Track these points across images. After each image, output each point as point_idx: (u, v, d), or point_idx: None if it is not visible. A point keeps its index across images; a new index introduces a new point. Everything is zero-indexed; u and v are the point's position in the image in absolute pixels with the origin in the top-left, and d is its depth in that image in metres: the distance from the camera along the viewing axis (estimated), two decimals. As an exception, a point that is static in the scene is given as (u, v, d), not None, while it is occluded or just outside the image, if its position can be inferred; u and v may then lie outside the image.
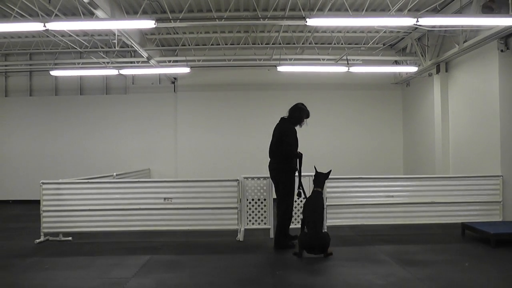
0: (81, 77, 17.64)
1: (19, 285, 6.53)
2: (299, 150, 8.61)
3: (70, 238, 9.61)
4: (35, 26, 9.73)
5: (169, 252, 8.51)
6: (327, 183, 9.29)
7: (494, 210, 10.35)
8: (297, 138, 8.68)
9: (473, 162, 12.29)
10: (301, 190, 8.57)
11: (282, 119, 8.84)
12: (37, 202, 9.66)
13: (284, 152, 8.50)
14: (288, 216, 8.65)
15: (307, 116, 8.84)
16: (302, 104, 8.89)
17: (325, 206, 8.98)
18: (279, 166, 8.64)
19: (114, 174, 12.82)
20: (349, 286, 6.22)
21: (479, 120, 12.02)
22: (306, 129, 9.01)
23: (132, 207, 9.51)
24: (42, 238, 9.45)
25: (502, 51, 11.03)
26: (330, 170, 8.63)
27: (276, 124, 8.88)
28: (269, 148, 8.81)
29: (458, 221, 10.01)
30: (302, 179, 8.71)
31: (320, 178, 8.51)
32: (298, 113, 8.75)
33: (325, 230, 8.55)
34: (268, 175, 9.07)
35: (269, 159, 8.82)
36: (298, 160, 8.54)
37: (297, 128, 8.80)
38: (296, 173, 8.63)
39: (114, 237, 9.72)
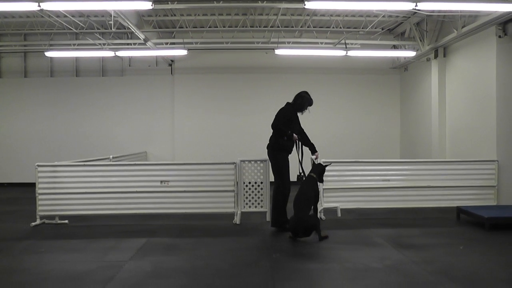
0: (77, 59, 17.56)
1: (14, 268, 6.54)
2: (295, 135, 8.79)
3: (66, 221, 9.64)
4: (29, 6, 9.70)
5: (166, 235, 8.54)
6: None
7: (489, 194, 10.50)
8: (293, 120, 8.86)
9: (469, 147, 12.36)
10: (303, 174, 8.77)
11: (287, 103, 9.05)
12: (33, 185, 9.69)
13: (272, 126, 8.76)
14: (280, 195, 8.75)
15: (310, 104, 9.03)
16: (306, 93, 9.08)
17: (319, 192, 9.01)
18: (270, 144, 8.87)
19: (111, 156, 12.81)
20: (344, 269, 6.28)
21: (476, 105, 12.07)
22: (308, 117, 9.11)
23: (129, 190, 9.54)
24: (38, 221, 9.48)
25: (500, 36, 11.06)
26: (330, 163, 8.71)
27: None
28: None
29: (454, 205, 10.12)
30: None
31: (317, 168, 8.60)
32: (300, 101, 8.96)
33: (317, 214, 8.58)
34: (265, 158, 9.27)
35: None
36: (288, 139, 8.70)
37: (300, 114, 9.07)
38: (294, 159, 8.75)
39: (111, 220, 9.76)
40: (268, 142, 8.93)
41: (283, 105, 9.00)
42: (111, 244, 7.83)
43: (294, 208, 7.97)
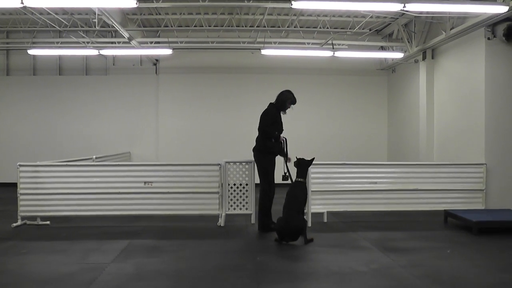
0: (60, 57, 17.42)
1: (-5, 269, 6.50)
2: (283, 135, 8.80)
3: (48, 222, 9.56)
4: (12, 3, 9.58)
5: (149, 237, 8.52)
6: (310, 169, 9.33)
7: (477, 198, 10.47)
8: (278, 121, 8.88)
9: (458, 149, 12.40)
10: (288, 174, 8.79)
11: (270, 104, 9.05)
12: (14, 185, 9.57)
13: (258, 130, 8.79)
14: (266, 198, 8.78)
15: (292, 102, 9.02)
16: (288, 91, 9.09)
17: (308, 196, 9.00)
18: (256, 147, 8.89)
19: (94, 157, 12.75)
20: (330, 273, 6.27)
21: (464, 108, 12.12)
22: (289, 115, 9.08)
23: (112, 191, 9.48)
24: (19, 222, 9.40)
25: (489, 39, 11.09)
26: (313, 158, 8.68)
27: None
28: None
29: (441, 208, 10.12)
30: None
31: (303, 166, 8.54)
32: (282, 100, 8.97)
33: (303, 216, 8.56)
34: (251, 160, 9.28)
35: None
36: (281, 142, 8.80)
37: (283, 114, 9.07)
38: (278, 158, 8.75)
39: (93, 221, 9.70)
40: (254, 144, 8.94)
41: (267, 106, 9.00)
42: (93, 246, 7.78)
43: (283, 212, 7.99)
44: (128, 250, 7.49)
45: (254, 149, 8.94)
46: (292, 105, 9.03)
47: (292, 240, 7.85)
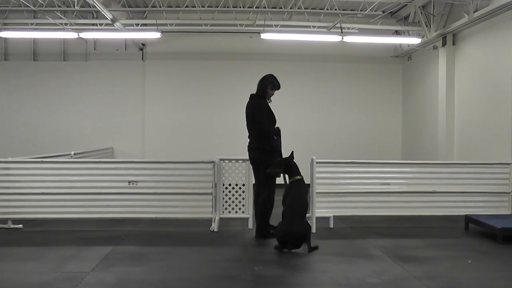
0: (34, 40, 17.41)
1: (-41, 278, 6.50)
2: (277, 125, 8.84)
3: (20, 225, 9.54)
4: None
5: (134, 243, 8.52)
6: (314, 169, 9.32)
7: (502, 202, 10.40)
8: (271, 113, 8.87)
9: (481, 147, 12.41)
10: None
11: (251, 95, 9.03)
12: (-18, 183, 9.60)
13: (259, 132, 8.68)
14: (270, 203, 8.78)
15: (273, 87, 8.95)
16: (270, 75, 9.03)
17: (308, 197, 8.99)
18: (258, 146, 8.79)
19: (72, 153, 12.74)
20: (337, 285, 6.27)
21: (489, 100, 12.12)
22: (291, 106, 9.09)
23: (92, 191, 9.46)
24: (-13, 225, 9.44)
25: (517, 22, 11.12)
26: (292, 151, 8.63)
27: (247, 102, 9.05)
28: (247, 128, 8.99)
29: (462, 213, 10.09)
30: None
31: (291, 164, 8.46)
32: (261, 84, 8.92)
33: (308, 220, 8.55)
34: (247, 158, 9.23)
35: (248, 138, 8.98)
36: (276, 137, 8.71)
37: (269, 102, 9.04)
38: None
39: (71, 225, 9.69)
40: (250, 143, 8.95)
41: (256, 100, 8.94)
42: (71, 252, 7.77)
43: (285, 216, 7.97)
44: (110, 258, 7.48)
45: (252, 148, 8.90)
46: (275, 91, 8.97)
47: (295, 247, 7.84)
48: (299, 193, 8.13)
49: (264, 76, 8.98)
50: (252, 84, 12.54)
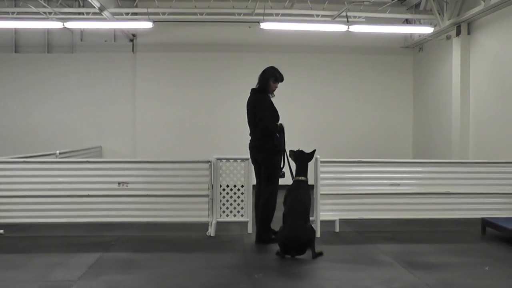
0: (16, 31, 17.40)
1: None
2: (280, 122, 8.85)
3: (1, 231, 9.50)
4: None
5: (124, 249, 8.52)
6: (319, 169, 9.33)
7: (522, 204, 10.45)
8: (274, 108, 8.85)
9: (498, 145, 12.41)
10: (287, 170, 8.76)
11: (252, 90, 9.02)
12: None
13: (261, 130, 8.68)
14: (271, 205, 8.78)
15: (276, 79, 8.94)
16: (271, 67, 9.04)
17: (311, 199, 8.97)
18: (259, 145, 8.80)
19: (57, 152, 12.73)
20: (343, 293, 6.29)
21: (507, 94, 12.11)
22: (294, 101, 9.08)
23: (79, 193, 9.45)
24: (-34, 231, 9.43)
25: (537, 10, 11.11)
26: (314, 150, 8.65)
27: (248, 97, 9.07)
28: (248, 124, 8.99)
29: (478, 216, 10.08)
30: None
31: (303, 161, 8.50)
32: (262, 77, 8.92)
33: (311, 224, 8.54)
34: (247, 156, 9.24)
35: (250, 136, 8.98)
36: (279, 134, 8.71)
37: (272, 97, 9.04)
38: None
39: (57, 230, 9.71)
40: (252, 141, 8.96)
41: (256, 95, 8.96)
42: (57, 260, 7.76)
43: (287, 219, 7.94)
44: (99, 265, 7.48)
45: (253, 147, 8.91)
46: (278, 84, 8.97)
47: (298, 253, 7.81)
48: (300, 194, 8.15)
49: (266, 69, 8.98)
50: (251, 77, 12.62)
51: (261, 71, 9.01)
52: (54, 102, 17.36)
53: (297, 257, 7.83)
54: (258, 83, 8.92)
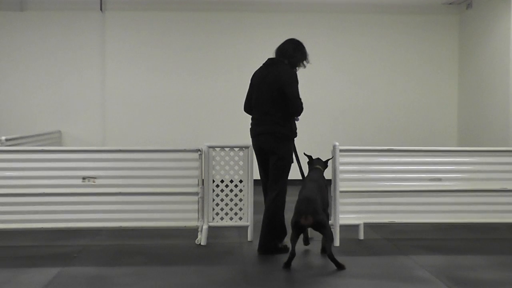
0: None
1: None
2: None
3: None
4: None
5: (90, 262, 8.52)
6: (338, 160, 9.37)
7: None
8: None
9: None
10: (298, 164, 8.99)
11: (273, 60, 8.96)
12: None
13: (293, 112, 8.73)
14: (279, 205, 8.80)
15: (307, 63, 9.09)
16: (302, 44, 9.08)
17: (328, 191, 9.03)
18: (276, 130, 8.72)
19: (3, 138, 12.72)
20: (369, 318, 6.33)
21: None
22: (307, 74, 9.08)
23: (32, 191, 9.44)
24: None
25: None
26: (331, 158, 8.74)
27: (259, 67, 9.03)
28: (256, 104, 8.91)
29: (544, 220, 10.13)
30: None
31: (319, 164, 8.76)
32: (295, 50, 8.93)
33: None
34: (247, 143, 9.25)
35: (252, 120, 9.00)
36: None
37: None
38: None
39: (4, 239, 9.71)
40: (250, 121, 8.99)
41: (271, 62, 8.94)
42: (5, 276, 7.77)
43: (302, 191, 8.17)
44: (57, 283, 7.47)
45: (265, 133, 8.82)
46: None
47: (313, 225, 7.85)
48: (312, 177, 8.51)
49: (302, 44, 9.02)
50: (250, 45, 12.64)
51: (290, 42, 9.02)
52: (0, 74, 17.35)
53: (308, 271, 7.85)
54: (288, 55, 8.89)
